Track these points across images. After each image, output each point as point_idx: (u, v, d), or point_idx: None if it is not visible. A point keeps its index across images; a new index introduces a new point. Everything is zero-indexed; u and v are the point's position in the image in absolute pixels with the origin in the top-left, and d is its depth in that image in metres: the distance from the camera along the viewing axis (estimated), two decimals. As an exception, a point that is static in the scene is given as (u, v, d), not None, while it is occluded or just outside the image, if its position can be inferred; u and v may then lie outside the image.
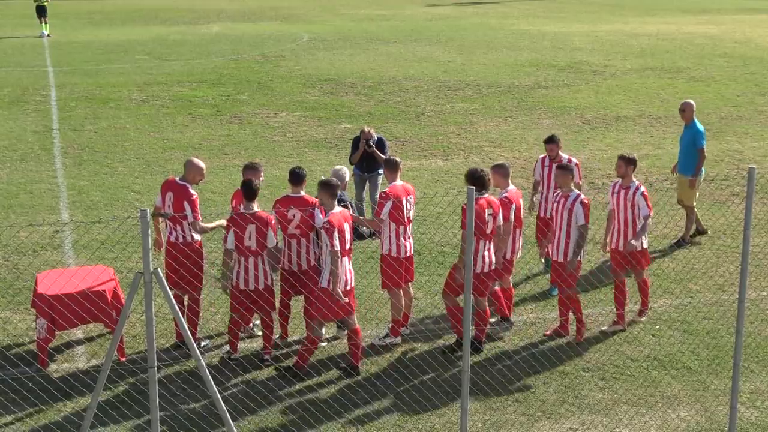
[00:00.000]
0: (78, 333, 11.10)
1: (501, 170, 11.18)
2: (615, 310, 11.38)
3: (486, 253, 10.56)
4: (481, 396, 9.72)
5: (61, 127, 22.48)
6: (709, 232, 14.68)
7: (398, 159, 11.23)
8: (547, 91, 27.34)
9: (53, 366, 10.33)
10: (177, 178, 10.75)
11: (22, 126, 22.57)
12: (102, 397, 9.31)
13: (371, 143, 14.46)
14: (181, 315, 7.19)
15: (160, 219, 10.86)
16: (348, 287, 10.02)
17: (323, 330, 10.98)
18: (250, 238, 10.09)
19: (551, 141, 12.73)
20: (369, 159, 14.58)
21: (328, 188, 10.05)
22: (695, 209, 14.50)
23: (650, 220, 11.26)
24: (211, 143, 20.89)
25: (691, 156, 14.32)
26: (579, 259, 10.91)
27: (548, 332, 11.20)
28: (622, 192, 11.29)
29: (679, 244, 14.29)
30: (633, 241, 11.09)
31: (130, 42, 38.43)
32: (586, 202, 10.88)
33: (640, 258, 11.28)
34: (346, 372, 10.21)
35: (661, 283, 12.74)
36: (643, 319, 11.53)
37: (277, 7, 55.42)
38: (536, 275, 13.02)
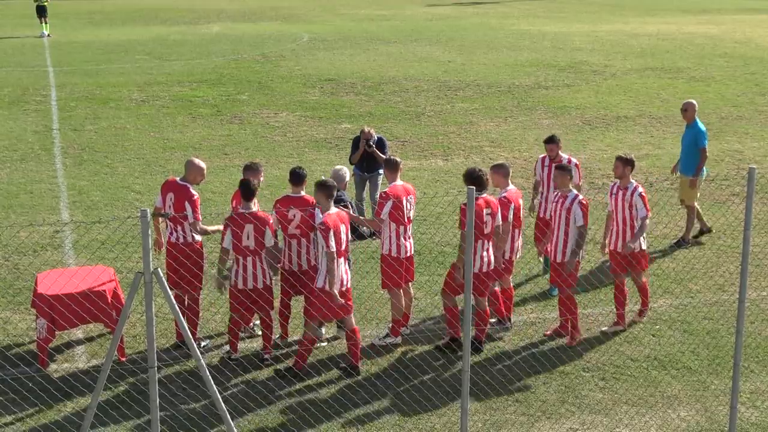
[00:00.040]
0: (78, 333, 11.10)
1: (501, 170, 11.18)
2: (615, 310, 11.38)
3: (484, 253, 10.57)
4: (481, 396, 9.72)
5: (61, 127, 22.48)
6: (713, 230, 14.66)
7: (398, 159, 11.23)
8: (547, 91, 27.34)
9: (53, 366, 10.34)
10: (178, 179, 10.75)
11: (22, 126, 22.57)
12: (102, 397, 9.32)
13: (371, 143, 14.46)
14: (181, 315, 7.18)
15: (161, 219, 10.86)
16: (344, 287, 10.02)
17: (323, 330, 11.00)
18: (248, 238, 10.09)
19: (551, 141, 12.72)
20: (369, 159, 14.58)
21: (325, 189, 10.05)
22: (698, 209, 14.50)
23: (648, 221, 11.25)
24: (212, 143, 20.89)
25: (693, 156, 14.32)
26: (578, 259, 10.91)
27: (548, 332, 11.20)
28: (621, 193, 11.28)
29: (680, 244, 14.29)
30: (630, 243, 11.09)
31: (131, 42, 38.43)
32: (585, 202, 10.87)
33: (639, 259, 11.27)
34: (346, 372, 10.21)
35: (661, 283, 12.74)
36: (643, 319, 11.53)
37: (277, 7, 55.42)
38: (536, 275, 13.01)
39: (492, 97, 26.38)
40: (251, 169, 11.03)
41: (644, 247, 11.30)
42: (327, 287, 9.81)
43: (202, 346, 10.65)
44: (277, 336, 10.91)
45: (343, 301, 9.93)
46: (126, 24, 46.15)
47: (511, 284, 11.55)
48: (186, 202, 10.45)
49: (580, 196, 10.90)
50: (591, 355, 10.74)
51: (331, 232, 9.75)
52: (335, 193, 10.21)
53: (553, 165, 12.13)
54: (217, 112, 24.32)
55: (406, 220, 10.83)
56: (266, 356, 10.43)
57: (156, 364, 6.95)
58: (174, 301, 7.05)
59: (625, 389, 9.98)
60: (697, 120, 14.52)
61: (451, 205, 13.94)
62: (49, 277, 10.49)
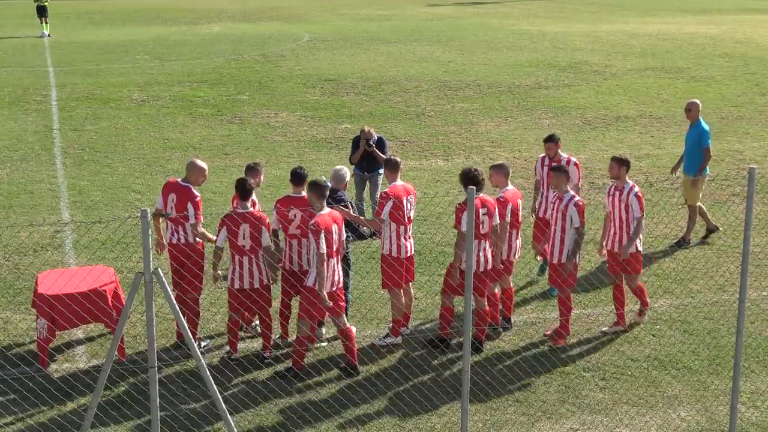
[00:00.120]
0: (78, 333, 11.10)
1: (501, 170, 11.18)
2: (615, 310, 11.37)
3: (481, 253, 10.57)
4: (482, 396, 9.72)
5: (61, 127, 22.49)
6: (720, 228, 14.63)
7: (399, 159, 11.23)
8: (547, 91, 27.34)
9: (53, 366, 10.34)
10: (179, 180, 10.75)
11: (22, 126, 22.57)
12: (102, 397, 9.32)
13: (371, 143, 14.45)
14: (181, 315, 7.19)
15: (161, 220, 10.86)
16: (335, 288, 10.01)
17: (323, 330, 11.00)
18: (243, 237, 10.10)
19: (550, 140, 12.71)
20: (369, 159, 14.57)
21: (316, 189, 10.03)
22: (704, 209, 14.49)
23: (643, 222, 11.20)
24: (212, 143, 20.89)
25: (696, 155, 14.32)
26: (576, 261, 10.90)
27: (548, 332, 11.20)
28: (617, 193, 11.27)
29: (680, 244, 14.28)
30: (626, 248, 11.03)
31: (131, 42, 38.44)
32: (580, 204, 10.86)
33: (632, 261, 11.19)
34: (345, 372, 10.21)
35: (661, 283, 12.74)
36: (644, 319, 11.51)
37: (277, 7, 55.42)
38: (536, 276, 13.00)
39: (492, 97, 26.38)
40: (251, 169, 11.05)
41: (640, 248, 11.26)
42: (316, 288, 9.81)
43: (202, 346, 10.65)
44: (277, 336, 10.92)
45: (330, 303, 9.92)
46: (126, 24, 46.16)
47: (511, 284, 11.55)
48: (188, 203, 10.45)
49: (576, 198, 10.89)
50: (591, 355, 10.75)
51: (322, 234, 9.74)
52: (327, 193, 10.17)
53: (551, 165, 12.12)
54: (218, 112, 24.32)
55: (406, 220, 10.83)
56: (266, 356, 10.44)
57: (156, 364, 6.95)
58: (174, 301, 7.04)
59: (625, 389, 9.98)
60: (701, 120, 14.53)
61: (451, 205, 13.92)
62: (50, 277, 10.49)
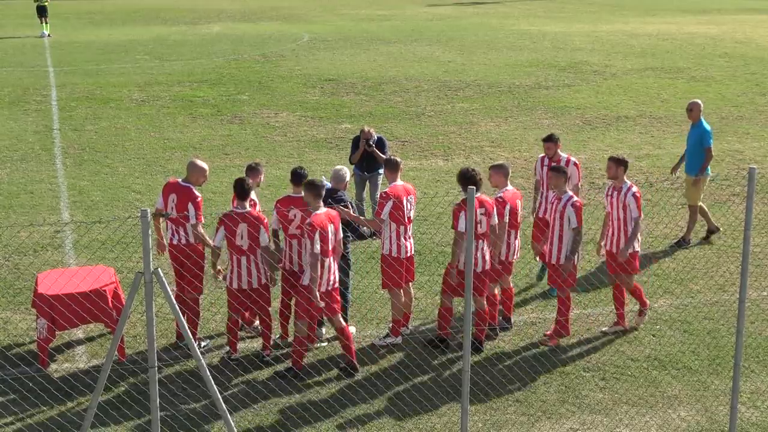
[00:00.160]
0: (78, 333, 11.10)
1: (501, 170, 11.18)
2: (615, 310, 11.37)
3: (479, 253, 10.56)
4: (482, 396, 9.72)
5: (61, 127, 22.49)
6: (721, 229, 14.63)
7: (399, 159, 11.23)
8: (547, 91, 27.34)
9: (53, 366, 10.34)
10: (180, 180, 10.75)
11: (22, 126, 22.58)
12: (102, 397, 9.32)
13: (371, 143, 14.45)
14: (181, 315, 7.19)
15: (161, 220, 10.86)
16: (330, 287, 10.01)
17: (323, 330, 11.00)
18: (241, 238, 10.10)
19: (549, 140, 12.69)
20: (369, 159, 14.57)
21: (312, 188, 10.03)
22: (705, 209, 14.49)
23: (642, 222, 11.19)
24: (212, 143, 20.89)
25: (698, 155, 14.32)
26: (575, 261, 10.90)
27: (548, 332, 11.20)
28: (615, 193, 11.26)
29: (680, 244, 14.28)
30: (624, 250, 11.01)
31: (131, 42, 38.44)
32: (578, 204, 10.85)
33: (630, 261, 11.16)
34: (345, 372, 10.21)
35: (661, 283, 12.74)
36: (644, 319, 11.48)
37: (277, 7, 55.43)
38: (535, 277, 13.00)
39: (492, 97, 26.38)
40: (253, 169, 11.05)
41: (637, 248, 11.25)
42: (311, 286, 9.80)
43: (202, 346, 10.65)
44: (277, 336, 10.92)
45: (323, 303, 9.91)
46: (126, 24, 46.16)
47: (511, 284, 11.55)
48: (189, 204, 10.45)
49: (574, 198, 10.89)
50: (591, 355, 10.75)
51: (317, 233, 9.73)
52: (323, 192, 10.16)
53: (551, 165, 12.11)
54: (218, 112, 24.32)
55: (406, 220, 10.83)
56: (266, 356, 10.44)
57: (156, 364, 6.95)
58: (174, 301, 7.05)
59: (625, 389, 9.98)
60: (703, 120, 14.54)
61: (451, 205, 13.93)
62: (50, 277, 10.49)
